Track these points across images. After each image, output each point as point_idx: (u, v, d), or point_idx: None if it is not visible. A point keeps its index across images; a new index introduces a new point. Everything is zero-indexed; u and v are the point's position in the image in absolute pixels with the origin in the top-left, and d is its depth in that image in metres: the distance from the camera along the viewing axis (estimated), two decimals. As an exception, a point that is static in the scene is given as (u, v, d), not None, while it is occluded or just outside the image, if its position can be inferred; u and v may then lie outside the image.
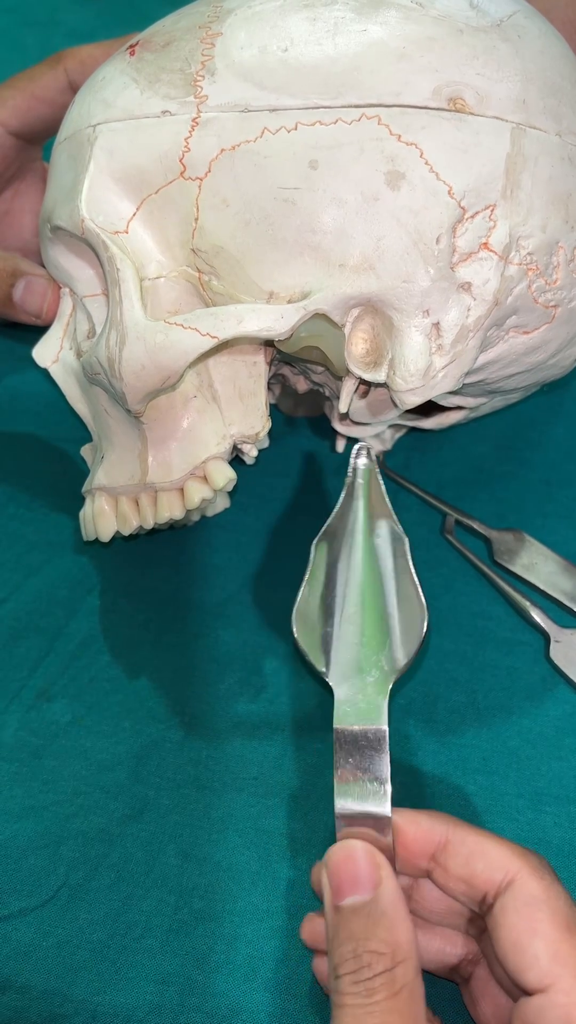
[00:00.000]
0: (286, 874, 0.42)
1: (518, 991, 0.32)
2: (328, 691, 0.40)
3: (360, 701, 0.39)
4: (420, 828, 0.35)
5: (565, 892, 0.33)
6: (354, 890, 0.33)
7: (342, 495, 0.46)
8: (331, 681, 0.40)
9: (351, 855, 0.34)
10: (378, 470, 0.46)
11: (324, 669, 0.40)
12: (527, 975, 0.31)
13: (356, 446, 0.47)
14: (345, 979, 0.31)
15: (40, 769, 0.45)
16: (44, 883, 0.42)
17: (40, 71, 0.52)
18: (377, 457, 0.55)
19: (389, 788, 0.36)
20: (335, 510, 0.46)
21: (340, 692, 0.39)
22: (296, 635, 0.42)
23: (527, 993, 0.31)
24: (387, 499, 0.45)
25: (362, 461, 0.46)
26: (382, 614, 0.41)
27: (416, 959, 0.32)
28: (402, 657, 0.40)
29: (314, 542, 0.45)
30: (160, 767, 0.45)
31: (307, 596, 0.43)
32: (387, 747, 0.37)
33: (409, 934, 0.32)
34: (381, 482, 0.46)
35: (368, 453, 0.46)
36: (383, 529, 0.44)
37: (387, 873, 0.33)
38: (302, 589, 0.43)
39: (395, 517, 0.44)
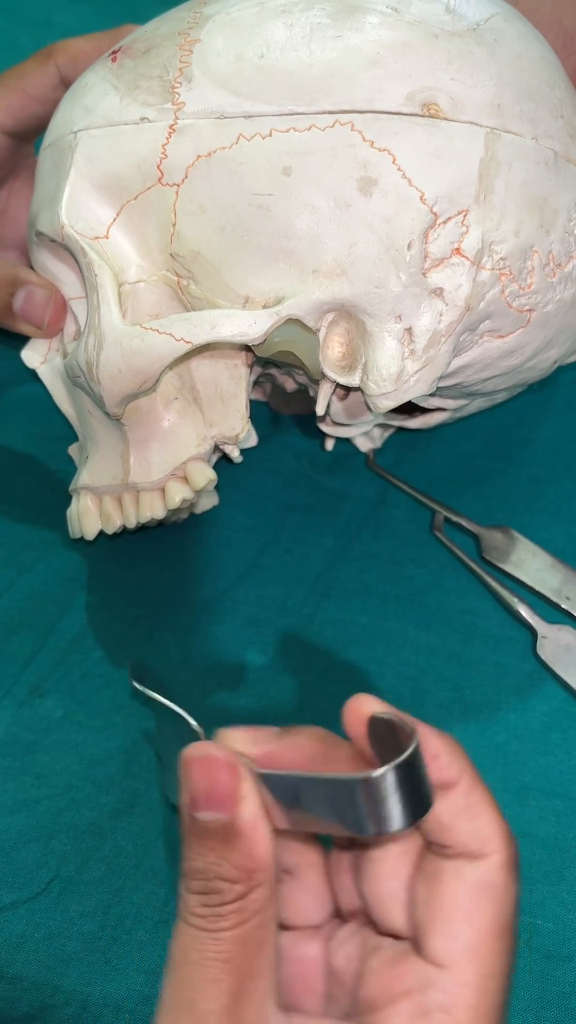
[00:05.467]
0: (273, 867, 0.43)
1: (399, 935, 0.31)
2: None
3: None
4: (441, 760, 0.30)
5: (517, 895, 0.31)
6: (210, 805, 0.29)
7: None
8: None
9: (209, 762, 0.30)
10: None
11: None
12: (434, 942, 0.29)
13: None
14: (194, 897, 0.29)
15: (32, 764, 0.46)
16: (36, 876, 0.43)
17: (30, 67, 0.51)
18: (368, 455, 0.55)
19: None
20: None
21: None
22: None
23: (416, 949, 0.30)
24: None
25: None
26: None
27: (273, 881, 0.29)
28: None
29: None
30: (151, 762, 0.46)
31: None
32: None
33: (267, 855, 0.29)
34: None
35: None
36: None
37: (249, 787, 0.29)
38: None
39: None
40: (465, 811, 0.30)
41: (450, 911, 0.30)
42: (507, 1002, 0.30)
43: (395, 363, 0.40)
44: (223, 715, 0.47)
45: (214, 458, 0.48)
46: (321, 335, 0.41)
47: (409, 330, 0.40)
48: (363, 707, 0.31)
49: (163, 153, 0.40)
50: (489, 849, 0.30)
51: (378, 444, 0.54)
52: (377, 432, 0.54)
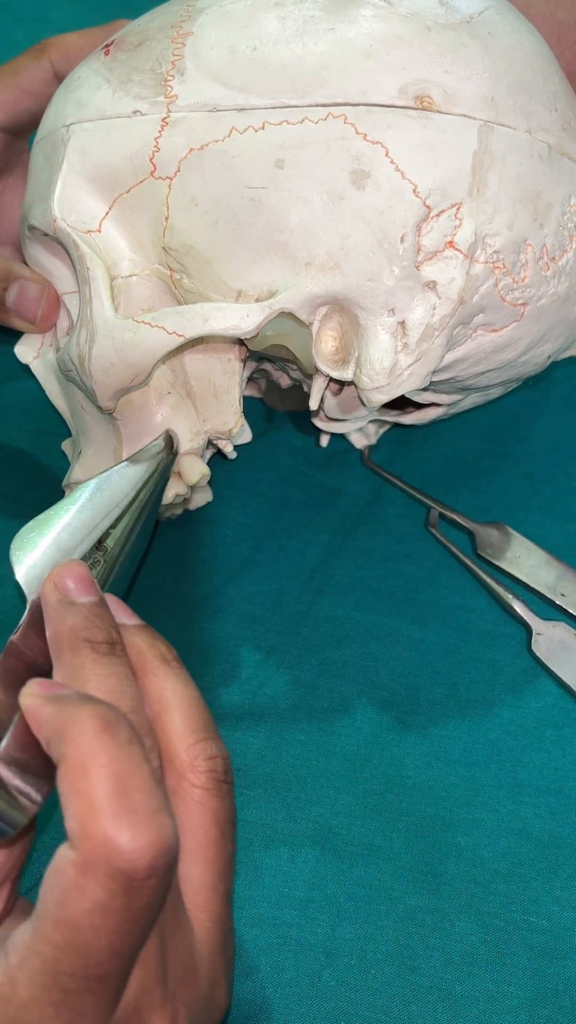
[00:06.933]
0: (267, 864, 0.43)
1: None
2: None
3: None
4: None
5: (97, 902, 0.29)
6: (88, 593, 0.36)
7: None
8: None
9: (82, 570, 0.37)
10: None
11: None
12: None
13: None
14: (80, 647, 0.34)
15: (26, 760, 0.46)
16: (25, 875, 0.43)
17: (24, 63, 0.52)
18: (362, 451, 0.55)
19: None
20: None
21: None
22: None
23: None
24: None
25: None
26: None
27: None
28: None
29: None
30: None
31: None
32: None
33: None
34: None
35: None
36: None
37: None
38: None
39: None
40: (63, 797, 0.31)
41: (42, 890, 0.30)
42: None
43: (388, 357, 0.40)
44: (217, 711, 0.47)
45: (208, 454, 0.48)
46: (314, 329, 0.41)
47: (402, 323, 0.40)
48: None
49: (155, 146, 0.41)
50: (74, 843, 0.30)
51: (373, 440, 0.54)
52: (372, 428, 0.54)
